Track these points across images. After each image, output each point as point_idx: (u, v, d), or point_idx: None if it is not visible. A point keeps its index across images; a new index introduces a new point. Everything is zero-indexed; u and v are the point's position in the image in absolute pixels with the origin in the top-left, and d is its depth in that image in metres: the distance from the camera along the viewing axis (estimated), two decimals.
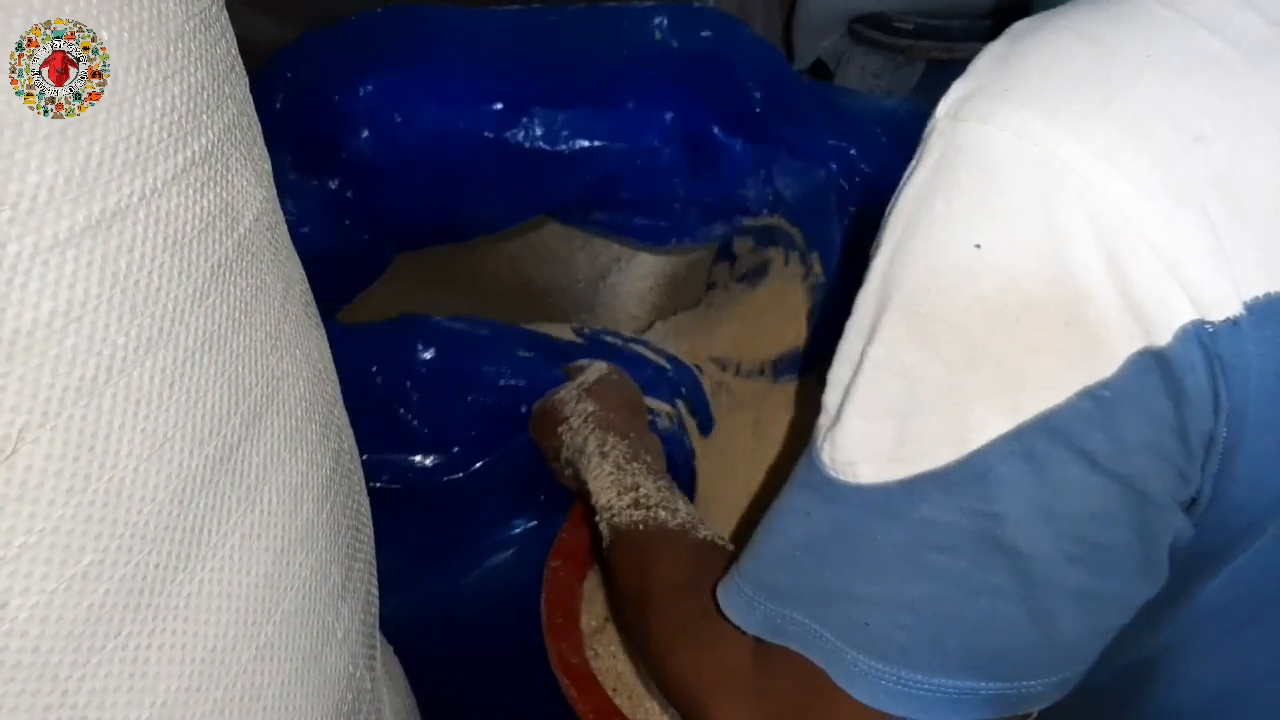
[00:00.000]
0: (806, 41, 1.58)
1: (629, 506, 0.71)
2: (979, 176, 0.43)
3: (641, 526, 0.69)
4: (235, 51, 0.40)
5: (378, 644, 0.57)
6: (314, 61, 1.03)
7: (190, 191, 0.35)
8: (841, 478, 0.47)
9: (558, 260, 1.21)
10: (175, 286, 0.35)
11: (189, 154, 0.35)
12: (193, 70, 0.35)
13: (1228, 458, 0.43)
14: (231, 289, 0.38)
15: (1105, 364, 0.41)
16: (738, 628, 0.52)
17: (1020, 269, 0.42)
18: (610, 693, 0.75)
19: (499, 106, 1.07)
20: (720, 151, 1.12)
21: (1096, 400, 0.42)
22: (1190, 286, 0.40)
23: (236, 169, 0.39)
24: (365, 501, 0.54)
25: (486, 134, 1.07)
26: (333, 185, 1.06)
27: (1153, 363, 0.41)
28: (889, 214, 0.46)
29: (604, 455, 0.77)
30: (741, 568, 0.53)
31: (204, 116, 0.36)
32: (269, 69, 0.94)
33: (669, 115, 1.10)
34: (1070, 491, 0.43)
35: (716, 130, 1.11)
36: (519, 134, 1.08)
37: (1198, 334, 0.40)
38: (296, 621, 0.43)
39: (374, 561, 0.55)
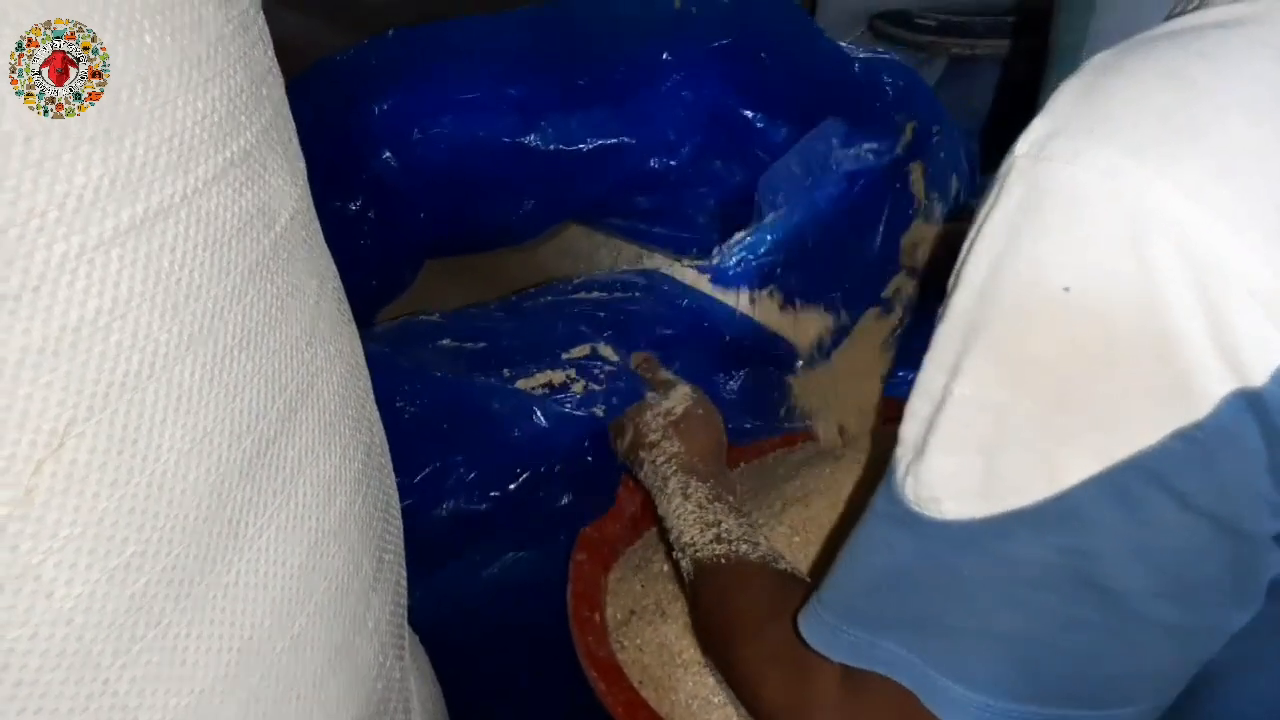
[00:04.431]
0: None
1: (711, 541, 0.74)
2: (1067, 217, 0.42)
3: (724, 560, 0.71)
4: (272, 54, 0.41)
5: (406, 635, 0.58)
6: (329, 88, 1.04)
7: (229, 192, 0.36)
8: (926, 513, 0.47)
9: (580, 255, 1.22)
10: (215, 285, 0.36)
11: (228, 155, 0.36)
12: (232, 73, 0.36)
13: None
14: (268, 287, 0.39)
15: (1198, 405, 0.41)
16: (824, 656, 0.53)
17: (1111, 310, 0.41)
18: (637, 685, 0.75)
19: (514, 114, 1.07)
20: (741, 148, 1.12)
21: (1190, 441, 0.41)
22: None
23: (273, 169, 0.39)
24: (395, 494, 0.55)
25: (504, 140, 1.07)
26: (355, 207, 1.07)
27: (1246, 404, 0.40)
28: (968, 250, 0.46)
29: (686, 496, 0.79)
30: (823, 597, 0.53)
31: (242, 118, 0.37)
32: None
33: (688, 108, 1.10)
34: (1164, 531, 0.43)
35: (738, 123, 1.11)
36: (535, 139, 1.08)
37: None
38: (330, 612, 0.44)
39: (403, 553, 0.56)
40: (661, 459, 0.84)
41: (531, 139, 1.08)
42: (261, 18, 0.40)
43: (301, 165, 0.44)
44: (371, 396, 0.51)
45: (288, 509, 0.41)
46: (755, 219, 1.03)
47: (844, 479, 0.88)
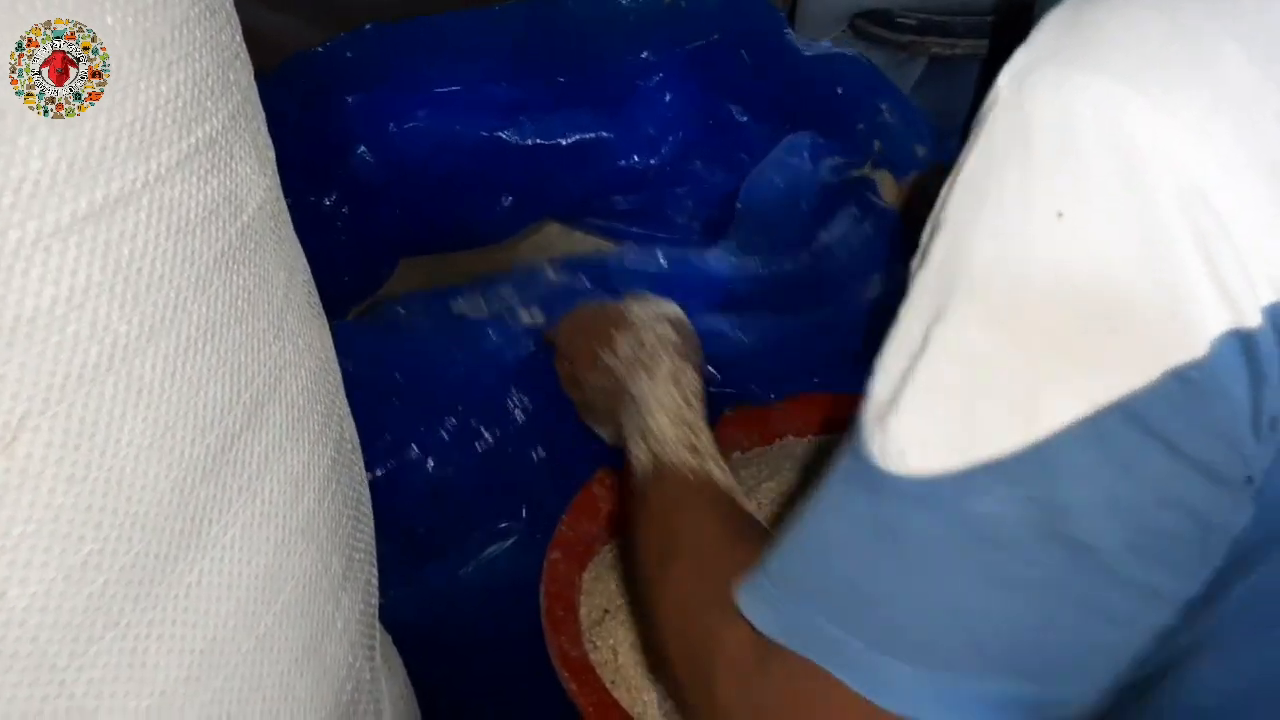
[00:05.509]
0: (808, 37, 1.58)
1: (683, 446, 0.69)
2: (1054, 146, 0.40)
3: (691, 475, 0.67)
4: (240, 38, 0.40)
5: (377, 634, 0.57)
6: (305, 82, 1.03)
7: (194, 179, 0.35)
8: (889, 468, 0.45)
9: (558, 254, 1.21)
10: (178, 274, 0.35)
11: (193, 141, 0.35)
12: (197, 57, 0.35)
13: None
14: (234, 277, 0.38)
15: (1195, 344, 0.39)
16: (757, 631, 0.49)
17: (1105, 244, 0.40)
18: (609, 685, 0.75)
19: (492, 110, 1.07)
20: (720, 150, 1.12)
21: (1184, 382, 0.39)
22: (1275, 266, 0.38)
23: (240, 156, 0.38)
24: (366, 491, 0.54)
25: (482, 137, 1.07)
26: (330, 202, 1.06)
27: (1239, 345, 0.39)
28: (949, 190, 0.44)
29: (677, 383, 0.74)
30: (768, 567, 0.50)
31: (208, 103, 0.36)
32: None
33: (669, 107, 1.10)
34: (1144, 479, 0.41)
35: (718, 122, 1.11)
36: (514, 136, 1.08)
37: (1274, 315, 0.38)
38: (297, 611, 0.43)
39: (374, 551, 0.55)
40: (651, 337, 0.79)
41: (509, 135, 1.07)
42: (229, 1, 0.39)
43: (270, 153, 0.43)
44: (342, 391, 0.50)
45: (253, 506, 0.40)
46: (736, 231, 1.03)
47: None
